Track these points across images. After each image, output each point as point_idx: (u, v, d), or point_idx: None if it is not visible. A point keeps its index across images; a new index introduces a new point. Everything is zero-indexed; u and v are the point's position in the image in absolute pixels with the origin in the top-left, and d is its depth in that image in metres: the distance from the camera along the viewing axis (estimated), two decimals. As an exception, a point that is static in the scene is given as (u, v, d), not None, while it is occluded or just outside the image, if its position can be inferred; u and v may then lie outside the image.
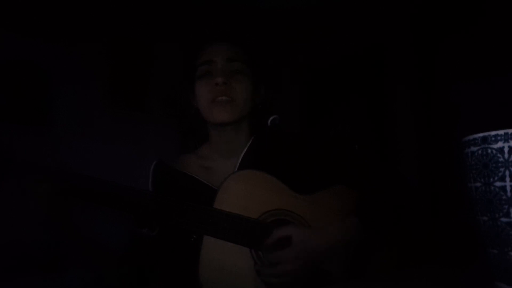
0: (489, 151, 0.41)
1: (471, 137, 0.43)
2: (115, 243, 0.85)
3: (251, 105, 0.85)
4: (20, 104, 1.76)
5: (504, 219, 0.40)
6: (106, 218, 0.80)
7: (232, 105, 0.80)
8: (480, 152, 0.42)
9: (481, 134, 0.42)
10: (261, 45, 0.98)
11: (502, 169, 0.40)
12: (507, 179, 0.39)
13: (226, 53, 0.82)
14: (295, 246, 0.68)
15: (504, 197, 0.40)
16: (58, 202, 0.77)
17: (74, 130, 1.86)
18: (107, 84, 2.05)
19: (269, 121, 0.89)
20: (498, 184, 0.40)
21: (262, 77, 0.89)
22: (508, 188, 0.39)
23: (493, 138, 0.41)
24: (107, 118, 2.01)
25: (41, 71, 1.83)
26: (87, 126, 1.91)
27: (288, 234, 0.69)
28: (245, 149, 0.83)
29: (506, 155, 0.40)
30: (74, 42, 1.91)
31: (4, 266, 1.43)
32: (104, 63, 2.04)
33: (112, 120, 2.02)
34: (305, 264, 0.68)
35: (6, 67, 1.73)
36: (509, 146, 0.40)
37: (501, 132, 0.40)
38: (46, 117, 1.83)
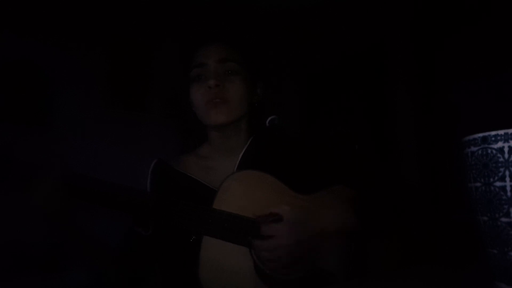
0: (489, 151, 0.41)
1: (471, 137, 0.43)
2: (115, 243, 0.85)
3: (248, 105, 0.85)
4: (20, 104, 1.76)
5: (504, 219, 0.40)
6: (106, 218, 0.80)
7: (227, 107, 0.79)
8: (480, 152, 0.42)
9: (481, 134, 0.42)
10: (256, 44, 0.97)
11: (502, 169, 0.40)
12: (507, 179, 0.39)
13: (218, 54, 0.81)
14: (287, 221, 0.67)
15: (504, 197, 0.40)
16: (58, 202, 0.76)
17: (74, 130, 1.86)
18: (107, 84, 2.04)
19: (268, 121, 0.89)
20: (498, 184, 0.40)
21: (258, 76, 0.89)
22: (508, 188, 0.39)
23: (493, 138, 0.41)
24: (107, 118, 2.00)
25: (41, 71, 1.83)
26: (87, 126, 1.91)
27: (279, 211, 0.68)
28: (244, 149, 0.83)
29: (506, 155, 0.40)
30: (74, 42, 1.90)
31: (4, 266, 1.43)
32: (104, 63, 2.04)
33: (112, 120, 2.02)
34: (298, 242, 0.67)
35: (6, 67, 1.72)
36: (509, 146, 0.40)
37: (501, 132, 0.40)
38: (46, 117, 1.83)
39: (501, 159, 0.40)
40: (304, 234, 0.68)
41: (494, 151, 0.40)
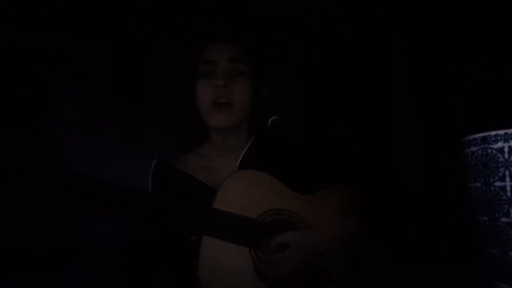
0: (489, 151, 0.41)
1: (471, 137, 0.43)
2: (116, 243, 0.85)
3: (251, 107, 0.85)
4: (20, 104, 1.76)
5: (504, 219, 0.40)
6: (106, 218, 0.79)
7: (231, 109, 0.79)
8: (480, 152, 0.42)
9: (481, 134, 0.42)
10: (263, 45, 0.97)
11: (502, 169, 0.40)
12: (507, 179, 0.39)
13: (228, 53, 0.81)
14: (292, 249, 0.68)
15: (504, 197, 0.40)
16: (59, 202, 0.76)
17: (74, 130, 1.86)
18: (107, 84, 2.05)
19: (269, 122, 0.89)
20: (498, 184, 0.40)
21: (264, 79, 0.89)
22: (508, 188, 0.39)
23: (493, 138, 0.41)
24: (107, 118, 2.00)
25: (41, 71, 1.83)
26: (87, 126, 1.91)
27: (286, 240, 0.69)
28: (245, 149, 0.83)
29: (506, 155, 0.40)
30: (74, 42, 1.90)
31: (4, 266, 1.43)
32: (104, 63, 2.04)
33: (112, 120, 2.02)
34: (302, 265, 0.68)
35: (6, 67, 1.72)
36: (509, 146, 0.40)
37: (501, 132, 0.40)
38: (46, 117, 1.83)
39: (501, 159, 0.40)
40: (310, 259, 0.69)
41: (494, 151, 0.40)
